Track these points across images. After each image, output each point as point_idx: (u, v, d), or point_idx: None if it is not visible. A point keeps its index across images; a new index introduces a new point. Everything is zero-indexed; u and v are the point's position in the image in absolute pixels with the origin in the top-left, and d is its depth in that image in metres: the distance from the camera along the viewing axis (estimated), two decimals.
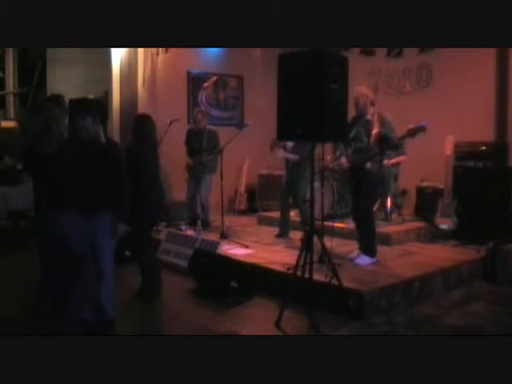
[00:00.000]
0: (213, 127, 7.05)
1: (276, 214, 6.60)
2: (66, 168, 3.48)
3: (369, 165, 4.83)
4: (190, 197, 7.01)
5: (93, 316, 3.73)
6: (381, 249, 5.26)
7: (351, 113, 4.71)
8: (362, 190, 4.92)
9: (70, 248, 3.54)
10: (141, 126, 4.69)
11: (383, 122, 4.78)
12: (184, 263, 5.39)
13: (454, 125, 6.31)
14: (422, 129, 4.63)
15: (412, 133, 4.69)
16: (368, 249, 5.00)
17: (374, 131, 4.76)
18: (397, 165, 6.35)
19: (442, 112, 6.61)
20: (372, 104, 4.93)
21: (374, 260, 4.99)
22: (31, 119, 3.46)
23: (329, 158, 6.59)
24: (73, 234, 3.53)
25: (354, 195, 5.14)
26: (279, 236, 6.22)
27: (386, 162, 6.07)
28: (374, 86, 7.50)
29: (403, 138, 4.78)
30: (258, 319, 4.15)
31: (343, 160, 5.05)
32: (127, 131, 6.01)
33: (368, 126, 4.84)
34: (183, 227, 6.69)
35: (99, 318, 3.74)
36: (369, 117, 4.88)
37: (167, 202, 6.56)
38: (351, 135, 4.90)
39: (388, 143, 4.80)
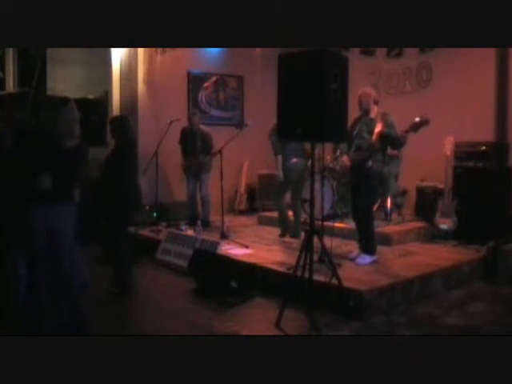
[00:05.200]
0: (206, 129, 7.06)
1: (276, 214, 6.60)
2: (81, 164, 3.59)
3: (370, 163, 4.83)
4: (191, 196, 7.03)
5: (69, 316, 3.64)
6: (381, 249, 5.27)
7: (352, 113, 4.71)
8: (362, 189, 4.92)
9: (60, 242, 3.50)
10: (117, 128, 4.80)
11: (387, 123, 4.77)
12: (184, 263, 5.39)
13: (454, 125, 6.32)
14: (425, 122, 4.60)
15: (415, 127, 4.65)
16: (368, 248, 5.01)
17: (377, 130, 4.76)
18: (397, 165, 6.34)
19: (442, 112, 6.61)
20: (375, 103, 4.94)
21: (374, 258, 5.00)
22: (58, 113, 3.51)
23: (329, 157, 6.60)
24: (64, 227, 3.53)
25: (353, 194, 5.13)
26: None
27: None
28: (374, 85, 7.51)
29: (407, 132, 4.73)
30: (258, 319, 4.15)
31: (345, 158, 5.04)
32: None
33: (371, 124, 4.84)
34: (183, 227, 6.69)
35: (75, 318, 3.69)
36: (372, 116, 4.89)
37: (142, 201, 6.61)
38: (354, 133, 4.92)
39: (389, 141, 4.80)
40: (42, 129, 3.56)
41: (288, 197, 6.25)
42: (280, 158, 6.04)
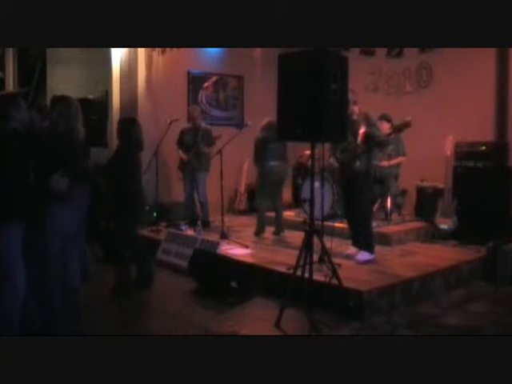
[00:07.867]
0: (207, 126, 7.07)
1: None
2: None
3: (357, 164, 4.86)
4: (188, 197, 7.01)
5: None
6: (381, 249, 5.27)
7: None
8: (353, 190, 4.99)
9: (69, 241, 3.59)
10: (127, 129, 4.84)
11: (369, 122, 4.85)
12: (184, 263, 5.38)
13: (454, 125, 6.32)
14: (407, 124, 4.77)
15: (398, 129, 4.93)
16: (367, 245, 5.05)
17: (361, 131, 4.82)
18: (397, 165, 6.36)
19: (441, 112, 6.62)
20: (353, 103, 4.92)
21: (372, 256, 5.04)
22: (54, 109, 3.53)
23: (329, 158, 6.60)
24: (70, 226, 3.56)
25: (344, 194, 5.25)
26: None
27: (385, 163, 6.12)
28: (374, 85, 7.53)
29: (389, 134, 5.05)
30: (258, 319, 4.15)
31: (331, 160, 5.14)
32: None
33: (354, 125, 4.86)
34: (183, 227, 6.68)
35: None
36: (355, 117, 4.91)
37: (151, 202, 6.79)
38: None
39: (373, 142, 4.84)
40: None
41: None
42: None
